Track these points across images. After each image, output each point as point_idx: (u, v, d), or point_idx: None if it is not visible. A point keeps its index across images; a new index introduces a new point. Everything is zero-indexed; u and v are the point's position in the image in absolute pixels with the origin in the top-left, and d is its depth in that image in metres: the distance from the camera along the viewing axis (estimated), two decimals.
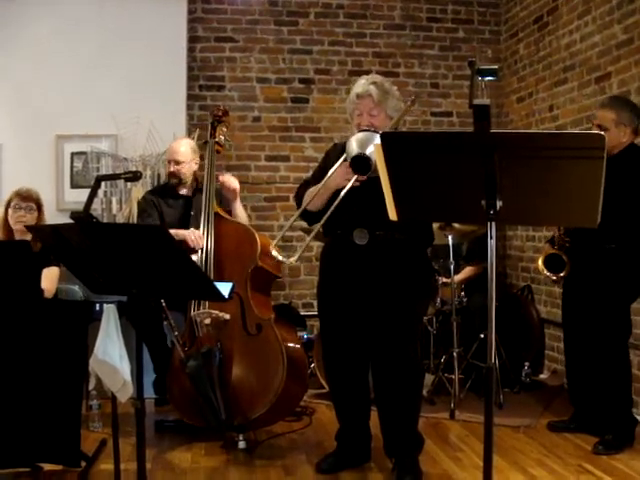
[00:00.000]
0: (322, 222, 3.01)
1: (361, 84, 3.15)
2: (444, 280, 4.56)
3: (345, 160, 2.96)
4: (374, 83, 3.12)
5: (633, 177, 3.49)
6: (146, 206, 4.13)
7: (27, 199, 3.89)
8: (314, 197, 3.06)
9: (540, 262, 3.89)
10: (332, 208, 2.93)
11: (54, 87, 4.95)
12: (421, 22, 5.81)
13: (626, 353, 3.66)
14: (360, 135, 2.91)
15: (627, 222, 3.49)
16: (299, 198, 3.24)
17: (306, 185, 3.25)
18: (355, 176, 2.90)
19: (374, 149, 2.04)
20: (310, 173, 3.48)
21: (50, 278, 3.76)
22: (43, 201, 4.01)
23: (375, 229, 3.09)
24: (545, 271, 3.86)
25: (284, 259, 2.94)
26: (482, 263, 4.70)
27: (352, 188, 2.95)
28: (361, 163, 2.82)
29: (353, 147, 2.85)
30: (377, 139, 2.76)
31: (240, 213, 4.06)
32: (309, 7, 5.67)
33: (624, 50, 4.35)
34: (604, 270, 3.60)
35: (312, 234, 3.22)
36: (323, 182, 3.01)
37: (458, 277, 4.70)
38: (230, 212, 4.02)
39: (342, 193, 2.92)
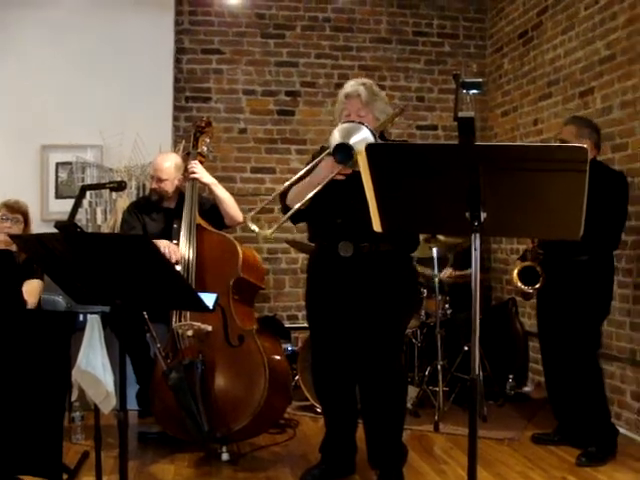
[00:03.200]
0: (299, 205, 2.88)
1: (350, 85, 3.15)
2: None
3: (329, 154, 2.87)
4: (363, 84, 3.13)
5: (599, 190, 3.53)
6: (129, 218, 4.11)
7: (15, 211, 3.89)
8: (298, 193, 2.99)
9: (515, 275, 3.90)
10: (311, 195, 2.84)
11: (39, 97, 4.93)
12: (407, 36, 5.85)
13: (596, 364, 3.72)
14: (344, 125, 2.86)
15: (598, 234, 3.52)
16: (284, 196, 3.13)
17: (291, 186, 3.10)
18: (338, 168, 2.82)
19: (359, 156, 2.01)
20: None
21: (32, 291, 3.74)
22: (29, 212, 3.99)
23: (360, 241, 3.08)
24: (519, 284, 3.87)
25: (260, 230, 2.77)
26: (464, 270, 4.75)
27: (336, 200, 2.93)
28: (343, 152, 2.75)
29: (336, 136, 2.80)
30: (361, 130, 2.72)
31: (221, 194, 4.01)
32: (295, 20, 5.70)
33: (606, 66, 4.40)
34: (576, 282, 3.67)
35: (289, 214, 3.06)
36: (308, 176, 2.95)
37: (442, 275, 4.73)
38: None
39: (323, 184, 2.84)
